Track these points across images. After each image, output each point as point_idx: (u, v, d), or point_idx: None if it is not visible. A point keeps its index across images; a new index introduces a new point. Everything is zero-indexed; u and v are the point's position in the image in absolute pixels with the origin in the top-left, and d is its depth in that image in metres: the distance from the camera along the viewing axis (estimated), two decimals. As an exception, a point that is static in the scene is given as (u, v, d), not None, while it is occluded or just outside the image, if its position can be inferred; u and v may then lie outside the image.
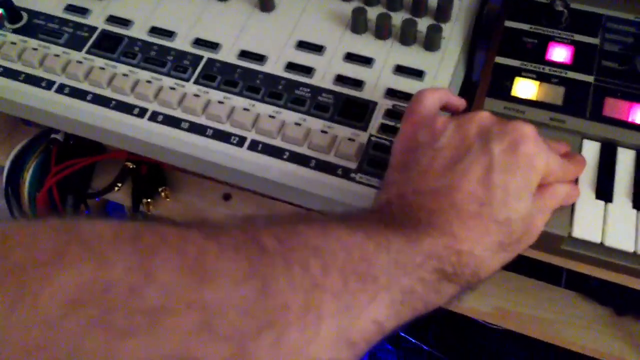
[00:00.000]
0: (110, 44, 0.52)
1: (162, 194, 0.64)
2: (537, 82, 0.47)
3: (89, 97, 0.50)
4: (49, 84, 0.51)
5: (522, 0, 0.52)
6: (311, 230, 0.29)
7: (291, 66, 0.50)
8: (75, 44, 0.53)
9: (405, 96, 0.48)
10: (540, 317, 0.54)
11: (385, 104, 0.48)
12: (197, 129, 0.48)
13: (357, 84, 0.49)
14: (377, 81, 0.49)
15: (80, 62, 0.51)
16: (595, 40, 0.49)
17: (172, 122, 0.48)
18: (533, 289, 0.56)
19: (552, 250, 0.42)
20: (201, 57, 0.51)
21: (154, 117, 0.49)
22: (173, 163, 0.51)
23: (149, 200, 0.64)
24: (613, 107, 0.46)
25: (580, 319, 0.54)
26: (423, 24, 0.51)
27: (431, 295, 0.32)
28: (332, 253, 0.28)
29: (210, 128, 0.48)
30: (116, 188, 0.64)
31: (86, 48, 0.53)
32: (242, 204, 0.65)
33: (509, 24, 0.51)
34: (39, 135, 0.67)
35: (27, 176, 0.64)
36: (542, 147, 0.36)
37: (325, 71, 0.50)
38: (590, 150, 0.45)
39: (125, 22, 0.54)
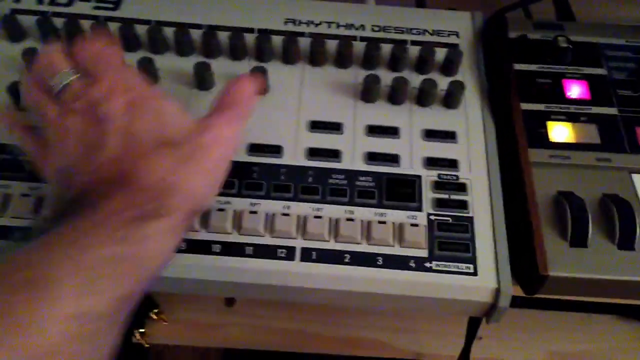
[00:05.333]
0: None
1: (156, 318, 0.54)
2: (569, 124, 0.46)
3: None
4: None
5: (524, 41, 0.50)
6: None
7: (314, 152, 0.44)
8: None
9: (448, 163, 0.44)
10: (597, 349, 0.53)
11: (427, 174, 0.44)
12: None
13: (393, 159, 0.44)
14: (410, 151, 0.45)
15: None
16: (602, 71, 0.49)
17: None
18: (573, 324, 0.56)
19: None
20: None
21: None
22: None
23: (141, 330, 0.53)
24: (646, 136, 0.46)
25: (629, 341, 0.54)
26: (441, 82, 0.47)
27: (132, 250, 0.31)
28: None
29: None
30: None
31: None
32: (247, 306, 0.57)
33: (518, 66, 0.49)
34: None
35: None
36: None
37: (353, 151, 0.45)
38: (642, 184, 0.44)
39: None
